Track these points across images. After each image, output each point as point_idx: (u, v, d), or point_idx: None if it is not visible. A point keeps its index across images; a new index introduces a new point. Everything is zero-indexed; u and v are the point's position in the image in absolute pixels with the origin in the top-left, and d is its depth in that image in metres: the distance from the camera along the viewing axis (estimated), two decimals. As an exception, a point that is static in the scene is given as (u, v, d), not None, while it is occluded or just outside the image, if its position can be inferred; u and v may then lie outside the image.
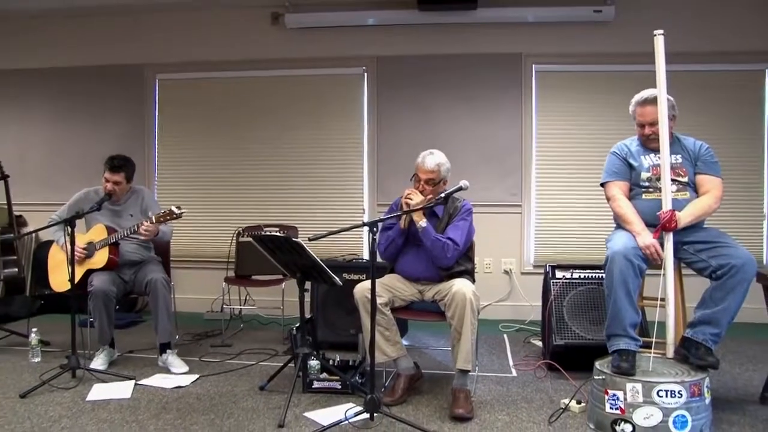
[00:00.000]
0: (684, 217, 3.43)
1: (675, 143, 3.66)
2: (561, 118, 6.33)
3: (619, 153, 3.79)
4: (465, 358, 3.53)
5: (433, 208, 3.90)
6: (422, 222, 3.78)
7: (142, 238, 4.34)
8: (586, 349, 4.04)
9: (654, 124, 3.55)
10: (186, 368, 4.35)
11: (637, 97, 3.70)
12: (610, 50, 6.15)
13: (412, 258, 3.97)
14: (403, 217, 3.86)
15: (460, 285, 3.63)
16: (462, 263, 3.92)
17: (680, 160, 3.64)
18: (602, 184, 3.84)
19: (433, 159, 3.91)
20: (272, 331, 5.69)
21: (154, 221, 4.27)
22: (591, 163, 5.73)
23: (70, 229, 4.07)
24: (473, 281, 3.89)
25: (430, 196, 3.87)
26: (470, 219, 3.98)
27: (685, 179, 3.61)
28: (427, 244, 3.79)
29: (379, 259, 3.75)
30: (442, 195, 3.63)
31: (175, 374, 4.27)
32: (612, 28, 6.14)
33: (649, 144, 3.68)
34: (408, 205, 3.78)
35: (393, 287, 3.91)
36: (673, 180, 3.50)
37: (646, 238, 3.42)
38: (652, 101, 3.56)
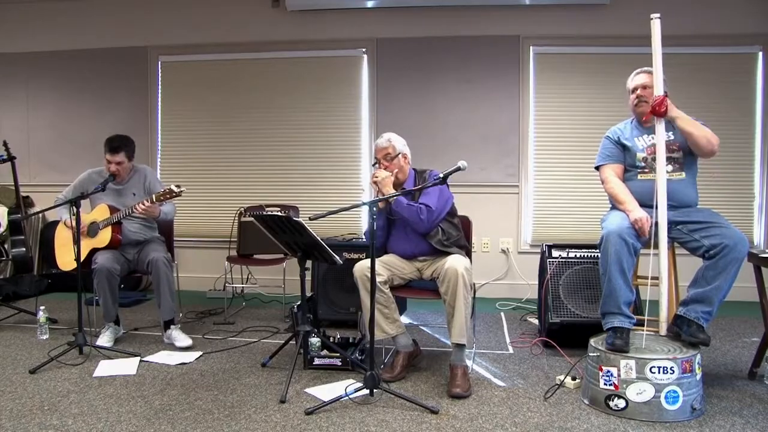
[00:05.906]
0: (676, 109, 3.50)
1: (667, 120, 3.70)
2: (558, 100, 6.35)
3: (611, 137, 3.86)
4: (459, 332, 3.56)
5: (405, 187, 3.94)
6: (390, 190, 3.80)
7: (137, 214, 4.36)
8: (581, 327, 4.10)
9: (645, 87, 3.64)
10: (190, 341, 4.40)
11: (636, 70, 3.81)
12: (607, 32, 6.15)
13: (400, 236, 4.01)
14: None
15: (452, 261, 3.66)
16: (451, 231, 3.94)
17: (672, 137, 3.66)
18: (597, 168, 3.90)
19: (383, 137, 4.02)
20: (274, 309, 5.76)
21: (154, 200, 4.31)
22: (588, 144, 5.75)
23: (75, 210, 4.10)
24: (468, 257, 3.92)
25: (396, 170, 3.92)
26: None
27: (679, 154, 3.65)
28: (403, 213, 3.81)
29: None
30: (441, 175, 3.64)
31: (180, 348, 4.34)
32: (609, 11, 6.15)
33: (639, 109, 3.74)
34: (376, 183, 3.83)
35: (392, 266, 3.93)
36: (666, 157, 3.52)
37: (638, 212, 3.48)
38: (647, 71, 3.67)
